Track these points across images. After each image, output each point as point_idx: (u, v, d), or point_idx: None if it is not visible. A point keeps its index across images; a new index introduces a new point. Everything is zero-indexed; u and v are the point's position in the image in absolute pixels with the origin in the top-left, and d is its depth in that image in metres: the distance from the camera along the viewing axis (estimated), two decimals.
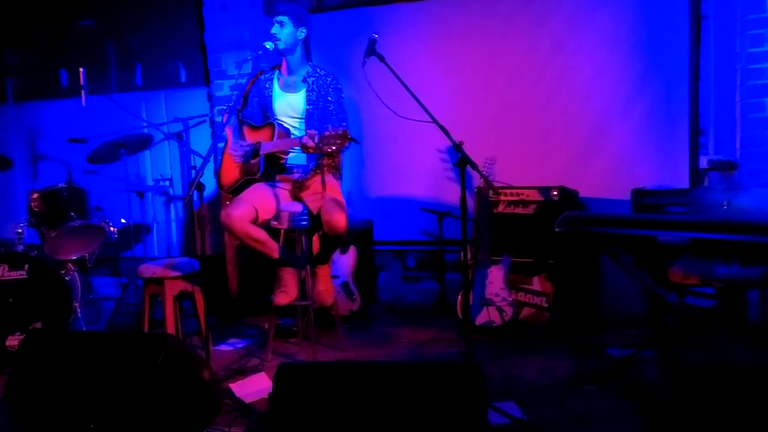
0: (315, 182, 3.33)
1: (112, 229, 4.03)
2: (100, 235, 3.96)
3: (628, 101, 4.10)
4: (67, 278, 3.72)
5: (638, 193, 3.72)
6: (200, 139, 4.75)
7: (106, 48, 5.21)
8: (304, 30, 3.38)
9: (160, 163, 5.10)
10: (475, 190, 3.90)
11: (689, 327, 3.36)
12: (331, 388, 2.04)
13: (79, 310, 3.76)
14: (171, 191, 4.97)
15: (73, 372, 2.28)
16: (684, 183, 3.95)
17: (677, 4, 3.96)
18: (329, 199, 3.19)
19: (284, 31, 3.32)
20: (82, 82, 4.15)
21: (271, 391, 2.06)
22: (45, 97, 5.30)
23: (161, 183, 4.90)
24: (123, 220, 4.17)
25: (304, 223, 3.28)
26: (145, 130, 4.36)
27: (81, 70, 4.18)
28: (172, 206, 5.11)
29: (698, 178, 3.95)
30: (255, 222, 3.20)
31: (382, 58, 2.76)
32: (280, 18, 3.33)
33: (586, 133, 4.18)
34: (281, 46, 3.32)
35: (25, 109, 5.35)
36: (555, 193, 3.76)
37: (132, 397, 2.19)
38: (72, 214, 3.82)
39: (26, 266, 3.56)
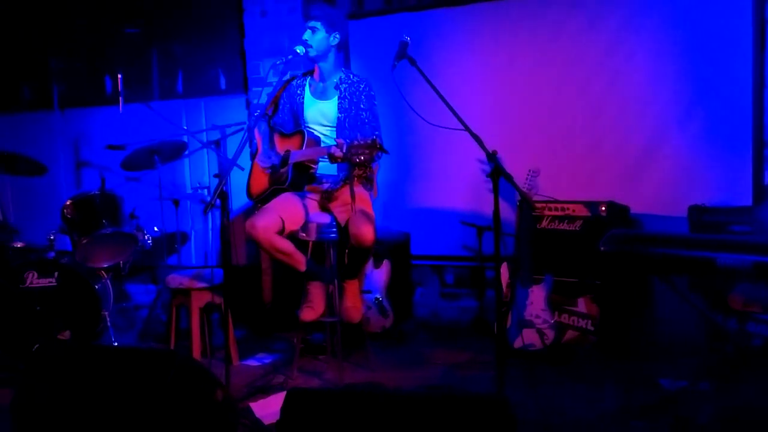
0: (344, 193, 3.18)
1: (146, 237, 3.97)
2: (132, 243, 3.90)
3: (685, 110, 3.81)
4: (97, 286, 3.66)
5: (696, 210, 3.44)
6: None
7: (150, 55, 5.23)
8: (338, 35, 3.24)
9: (198, 171, 5.07)
10: (517, 203, 3.68)
11: (750, 358, 3.06)
12: (343, 419, 1.88)
13: (108, 318, 3.70)
14: (208, 199, 4.91)
15: (79, 387, 2.20)
16: (747, 200, 3.63)
17: (740, 7, 3.66)
18: (358, 210, 3.05)
19: (316, 37, 3.20)
20: (120, 89, 4.12)
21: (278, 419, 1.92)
22: (90, 104, 5.33)
23: (199, 191, 4.86)
24: (156, 228, 4.10)
25: (333, 235, 3.15)
26: (184, 138, 4.32)
27: (119, 76, 4.16)
28: (209, 214, 5.06)
29: (763, 195, 3.63)
30: (281, 233, 3.08)
31: (413, 62, 2.61)
32: (312, 23, 3.21)
33: (640, 143, 3.91)
34: (312, 53, 3.20)
35: (71, 116, 5.39)
36: (603, 208, 3.51)
37: (138, 416, 2.10)
38: (104, 221, 3.77)
39: (56, 273, 3.54)
